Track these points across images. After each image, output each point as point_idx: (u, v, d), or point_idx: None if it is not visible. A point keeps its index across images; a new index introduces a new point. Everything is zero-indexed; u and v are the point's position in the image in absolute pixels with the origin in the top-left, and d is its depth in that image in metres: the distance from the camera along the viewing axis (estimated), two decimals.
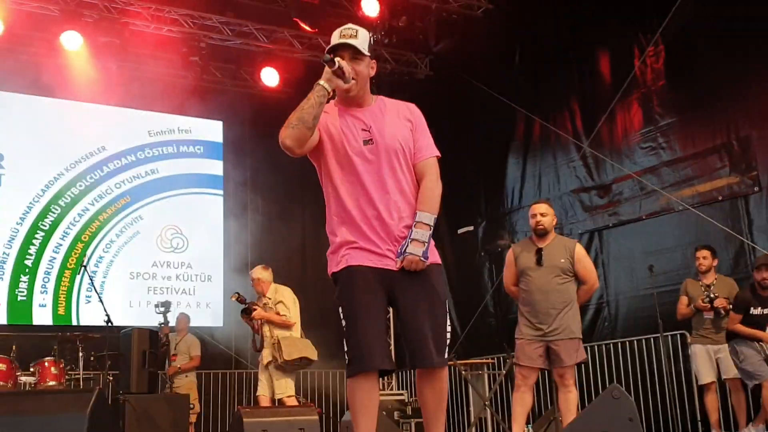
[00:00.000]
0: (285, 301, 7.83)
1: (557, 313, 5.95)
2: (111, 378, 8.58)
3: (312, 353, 7.72)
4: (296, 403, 7.54)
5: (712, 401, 7.64)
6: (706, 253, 7.72)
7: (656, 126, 9.32)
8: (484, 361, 9.84)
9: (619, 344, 9.40)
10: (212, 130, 12.46)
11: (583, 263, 6.13)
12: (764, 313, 7.19)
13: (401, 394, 10.81)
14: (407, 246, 3.44)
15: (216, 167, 12.33)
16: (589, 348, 9.65)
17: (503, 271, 6.39)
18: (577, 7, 10.28)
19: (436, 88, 11.86)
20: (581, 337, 6.06)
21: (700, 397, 8.09)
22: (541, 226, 6.13)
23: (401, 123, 3.62)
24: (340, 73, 3.44)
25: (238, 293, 7.82)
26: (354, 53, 3.52)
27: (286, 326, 7.73)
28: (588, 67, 10.29)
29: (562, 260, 6.04)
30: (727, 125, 8.60)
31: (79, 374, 8.12)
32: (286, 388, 7.66)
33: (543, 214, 6.14)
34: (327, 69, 3.42)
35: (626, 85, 9.57)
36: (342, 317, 3.47)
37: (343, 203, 3.52)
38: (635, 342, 9.17)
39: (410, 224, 3.49)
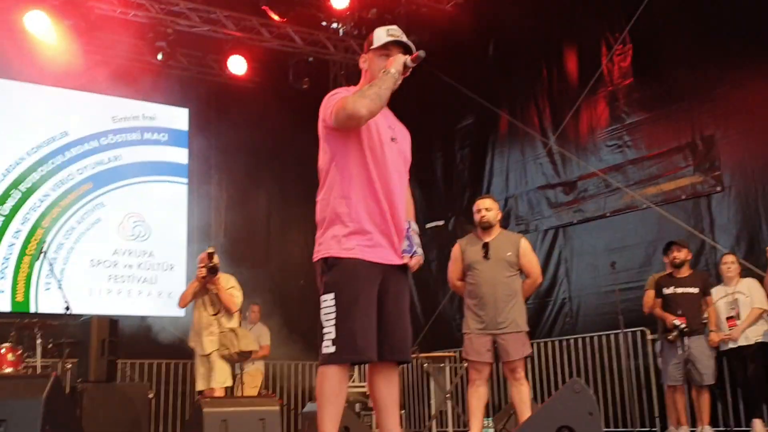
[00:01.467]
0: (236, 286, 7.72)
1: (504, 306, 5.99)
2: (69, 366, 8.46)
3: (257, 347, 7.69)
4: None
5: (668, 397, 7.74)
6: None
7: (622, 124, 9.41)
8: (446, 354, 9.87)
9: (580, 340, 9.47)
10: (177, 117, 12.30)
11: (528, 257, 6.19)
12: (675, 292, 7.34)
13: (363, 386, 10.79)
14: (417, 248, 3.67)
15: (181, 155, 12.18)
16: (551, 343, 9.75)
17: (448, 265, 6.39)
18: (546, 3, 10.32)
19: (404, 82, 11.82)
20: (528, 330, 6.09)
21: (659, 393, 8.19)
22: (485, 220, 6.18)
23: (408, 140, 3.88)
24: (408, 71, 3.63)
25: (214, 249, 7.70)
26: (404, 52, 3.69)
27: (230, 310, 7.53)
28: (556, 63, 10.35)
29: (509, 254, 6.10)
30: (692, 125, 8.70)
31: (36, 362, 8.00)
32: (226, 377, 7.52)
33: (488, 208, 6.20)
34: (398, 60, 3.58)
35: (593, 82, 9.64)
36: (332, 304, 3.47)
37: (367, 188, 3.58)
38: (596, 338, 9.25)
39: (406, 225, 3.69)
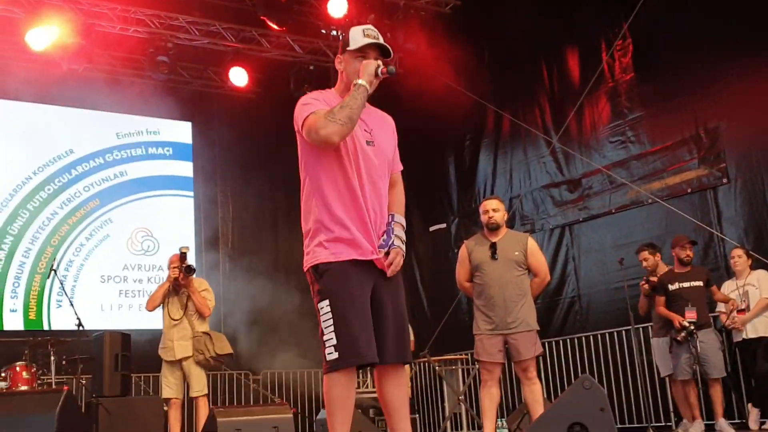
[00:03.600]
0: (209, 289, 7.58)
1: (514, 306, 5.99)
2: (84, 382, 8.50)
3: (231, 350, 7.48)
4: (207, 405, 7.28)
5: (677, 392, 7.74)
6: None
7: (625, 120, 9.40)
8: (458, 356, 9.86)
9: (591, 337, 9.47)
10: (181, 131, 12.37)
11: (535, 256, 6.19)
12: (682, 287, 7.35)
13: (375, 392, 10.80)
14: (393, 240, 3.55)
15: (186, 168, 12.25)
16: (561, 341, 9.74)
17: (456, 267, 6.38)
18: (545, 2, 10.34)
19: (406, 86, 11.88)
20: (538, 329, 6.09)
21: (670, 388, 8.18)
22: (493, 221, 6.19)
23: (390, 133, 3.78)
24: (380, 78, 3.56)
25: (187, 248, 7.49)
26: (381, 54, 3.64)
27: (202, 313, 7.38)
28: (556, 62, 10.36)
29: (516, 253, 6.10)
30: (695, 118, 8.69)
31: (51, 379, 8.04)
32: (204, 385, 7.38)
33: (495, 209, 6.21)
34: (368, 69, 3.52)
35: (594, 79, 9.65)
36: (329, 311, 3.45)
37: (343, 194, 3.54)
38: (606, 335, 9.24)
39: (385, 224, 3.60)
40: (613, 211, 9.47)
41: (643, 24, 9.15)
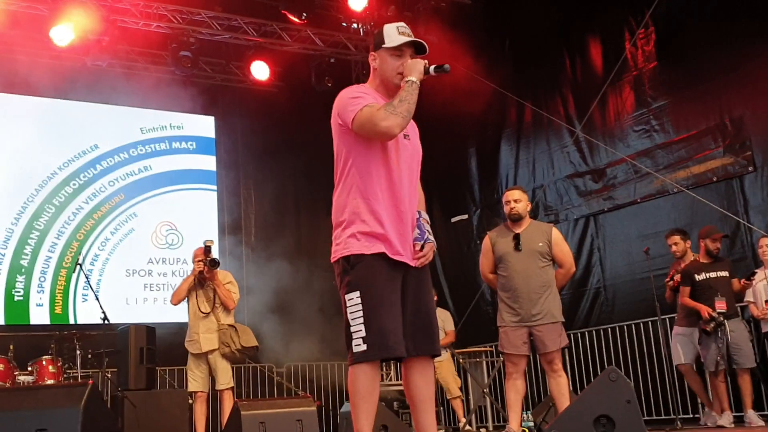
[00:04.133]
0: (233, 282, 7.59)
1: (538, 297, 5.94)
2: (109, 375, 8.57)
3: (257, 342, 7.45)
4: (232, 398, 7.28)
5: (693, 381, 7.68)
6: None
7: (649, 108, 9.32)
8: (482, 348, 9.85)
9: (617, 328, 9.41)
10: (204, 125, 12.42)
11: (560, 246, 6.12)
12: (709, 276, 7.27)
13: (400, 384, 10.80)
14: (427, 234, 3.63)
15: (209, 162, 12.30)
16: (587, 333, 9.69)
17: (480, 258, 6.34)
18: None
19: (427, 77, 11.84)
20: (563, 320, 6.04)
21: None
22: (515, 212, 6.13)
23: (416, 129, 3.85)
24: (434, 76, 3.64)
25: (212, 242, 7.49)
26: (416, 52, 3.70)
27: (228, 306, 7.38)
28: (578, 51, 10.29)
29: (540, 244, 6.04)
30: (720, 105, 8.60)
31: (77, 372, 8.11)
32: (230, 378, 7.38)
33: (516, 200, 6.14)
34: (417, 67, 3.58)
35: (617, 68, 9.57)
36: (358, 302, 3.47)
37: (383, 187, 3.58)
38: (633, 326, 9.17)
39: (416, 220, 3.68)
40: (638, 200, 9.40)
41: (665, 12, 9.07)
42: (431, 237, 3.66)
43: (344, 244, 3.58)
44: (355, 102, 3.57)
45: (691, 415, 8.38)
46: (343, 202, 3.63)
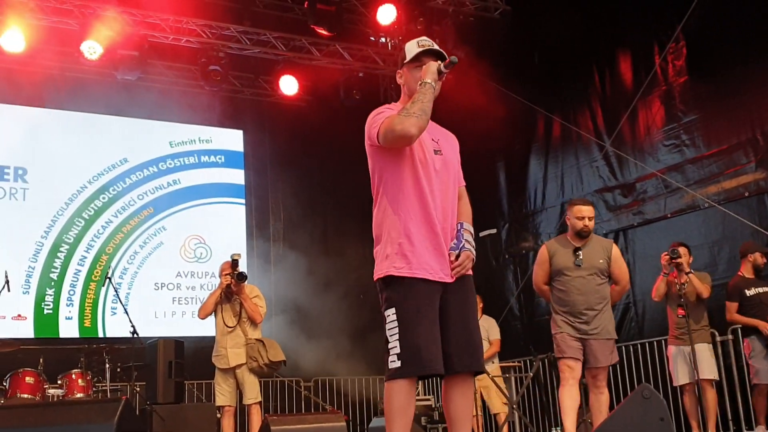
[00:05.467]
0: (260, 296, 7.58)
1: (595, 315, 5.86)
2: (138, 389, 8.59)
3: (284, 357, 7.41)
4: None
5: (688, 402, 7.59)
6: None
7: (679, 123, 9.24)
8: (511, 364, 9.78)
9: (647, 344, 9.30)
10: (233, 139, 12.48)
11: (618, 264, 6.03)
12: (759, 291, 7.17)
13: (428, 400, 10.74)
14: (464, 243, 3.65)
15: (237, 176, 12.35)
16: (617, 348, 9.56)
17: (534, 268, 6.23)
18: (596, 5, 10.21)
19: (455, 92, 11.83)
20: (616, 338, 5.97)
21: (732, 394, 8.02)
22: (587, 229, 6.02)
23: (455, 147, 3.91)
24: (443, 76, 3.66)
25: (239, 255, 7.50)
26: (437, 59, 3.72)
27: (254, 320, 7.37)
28: (608, 65, 10.23)
29: (601, 261, 5.94)
30: (752, 120, 8.50)
31: (106, 386, 8.14)
32: (258, 392, 7.36)
33: (590, 217, 6.04)
34: (431, 69, 3.62)
35: (647, 82, 9.50)
36: (394, 319, 3.51)
37: (415, 205, 3.63)
38: (663, 342, 9.05)
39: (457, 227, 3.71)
40: (669, 215, 9.30)
41: (696, 26, 8.99)
42: (468, 245, 3.66)
43: (380, 265, 3.64)
44: (378, 119, 3.65)
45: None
46: (380, 219, 3.69)
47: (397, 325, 3.49)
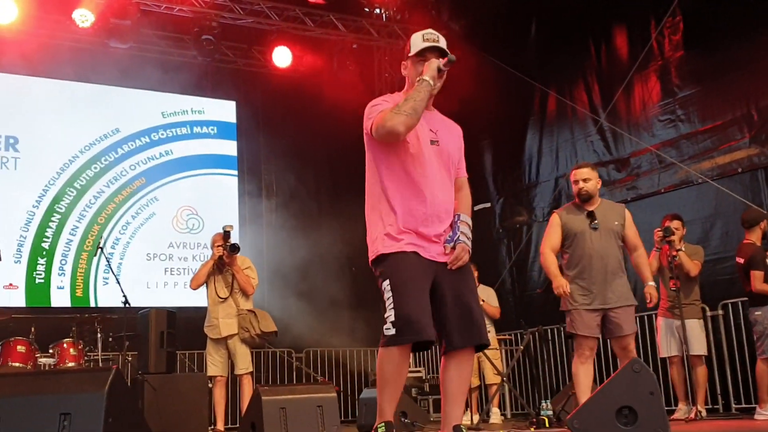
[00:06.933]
0: (252, 267, 7.57)
1: (614, 279, 5.71)
2: (129, 358, 8.61)
3: (276, 327, 7.42)
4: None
5: (675, 375, 7.57)
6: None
7: (674, 98, 9.22)
8: (502, 337, 9.82)
9: (637, 319, 9.31)
10: (225, 110, 12.42)
11: (633, 228, 5.91)
12: None
13: (419, 371, 10.81)
14: (459, 235, 3.73)
15: (230, 147, 12.30)
16: None
17: (545, 235, 6.00)
18: None
19: (441, 74, 11.76)
20: (636, 303, 5.82)
21: (723, 370, 8.06)
22: (584, 191, 5.88)
23: (456, 138, 3.99)
24: (443, 74, 3.75)
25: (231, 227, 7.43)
26: (441, 56, 3.78)
27: (246, 292, 7.38)
28: (604, 39, 10.18)
29: (616, 223, 5.82)
30: (747, 96, 8.48)
31: (97, 355, 8.15)
32: (249, 362, 7.38)
33: (585, 179, 5.89)
34: (432, 66, 3.71)
35: (643, 57, 9.46)
36: (389, 289, 3.61)
37: (407, 191, 3.72)
38: (653, 315, 9.09)
39: (451, 222, 3.79)
40: (662, 191, 9.30)
41: (693, 0, 8.94)
42: (464, 238, 3.73)
43: (372, 247, 3.76)
44: (373, 110, 3.75)
45: (710, 406, 8.30)
46: (372, 204, 3.82)
47: (391, 294, 3.58)
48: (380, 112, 3.68)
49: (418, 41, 3.82)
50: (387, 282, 3.62)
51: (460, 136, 4.02)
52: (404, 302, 3.55)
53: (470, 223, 3.84)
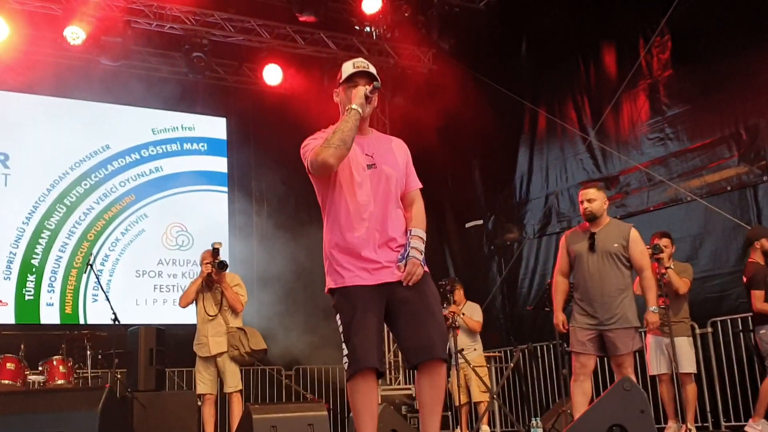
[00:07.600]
0: (241, 284, 7.56)
1: (612, 302, 5.75)
2: (119, 376, 8.57)
3: (265, 345, 7.42)
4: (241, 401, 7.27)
5: (664, 392, 7.56)
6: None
7: (663, 116, 9.28)
8: (492, 354, 9.82)
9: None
10: (216, 126, 12.43)
11: (639, 247, 5.90)
12: None
13: (408, 389, 10.79)
14: (408, 252, 3.74)
15: (220, 164, 12.30)
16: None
17: (557, 257, 6.17)
18: None
19: (441, 83, 11.82)
20: (638, 326, 5.84)
21: (712, 387, 8.07)
22: (588, 212, 5.92)
23: (396, 155, 3.95)
24: (371, 99, 3.78)
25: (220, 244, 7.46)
26: (369, 82, 3.82)
27: (235, 309, 7.36)
28: (593, 58, 10.26)
29: (615, 245, 5.83)
30: (735, 114, 8.55)
31: (87, 372, 8.11)
32: (239, 380, 7.37)
33: (590, 200, 5.92)
34: (359, 93, 3.74)
35: (632, 75, 9.53)
36: (340, 324, 3.76)
37: (348, 220, 3.77)
38: (643, 333, 9.10)
39: (404, 242, 3.80)
40: (651, 209, 9.35)
41: (681, 20, 9.02)
42: (415, 252, 3.74)
43: (327, 278, 3.85)
44: (306, 149, 3.86)
45: (700, 424, 8.32)
46: (325, 236, 3.89)
47: (342, 329, 3.73)
48: (312, 149, 3.75)
49: (348, 68, 3.87)
50: (338, 316, 3.76)
51: (403, 150, 4.00)
52: (351, 335, 3.66)
53: (423, 236, 3.84)
